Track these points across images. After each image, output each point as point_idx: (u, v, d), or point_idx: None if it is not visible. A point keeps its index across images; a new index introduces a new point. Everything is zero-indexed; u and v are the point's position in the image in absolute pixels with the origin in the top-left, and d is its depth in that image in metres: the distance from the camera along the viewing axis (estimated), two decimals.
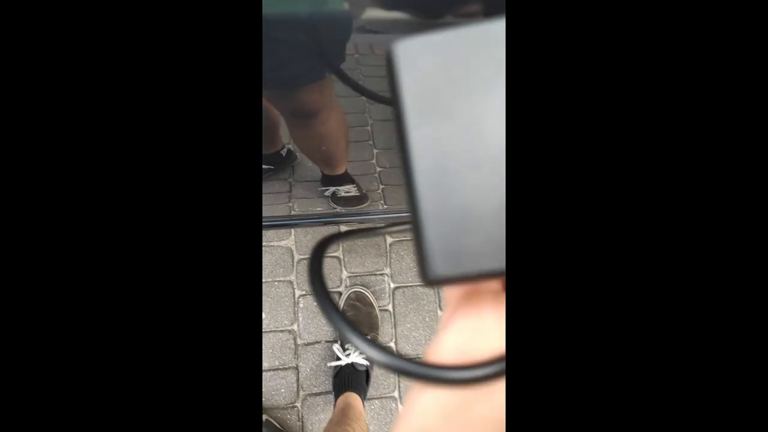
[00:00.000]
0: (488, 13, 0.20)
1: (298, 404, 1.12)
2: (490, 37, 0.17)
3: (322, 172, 0.56)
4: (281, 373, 1.13)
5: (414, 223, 0.17)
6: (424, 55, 0.17)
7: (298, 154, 0.53)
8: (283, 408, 1.11)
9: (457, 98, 0.17)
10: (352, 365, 1.12)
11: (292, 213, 0.66)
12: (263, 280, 1.15)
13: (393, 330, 1.20)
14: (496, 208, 0.17)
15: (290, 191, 0.60)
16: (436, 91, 0.17)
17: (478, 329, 0.19)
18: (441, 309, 1.22)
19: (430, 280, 0.17)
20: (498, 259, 0.16)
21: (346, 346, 1.14)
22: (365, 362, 1.13)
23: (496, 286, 0.20)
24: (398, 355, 0.17)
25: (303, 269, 1.18)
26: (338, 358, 1.12)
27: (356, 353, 1.12)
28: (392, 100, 0.17)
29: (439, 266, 0.17)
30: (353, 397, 1.05)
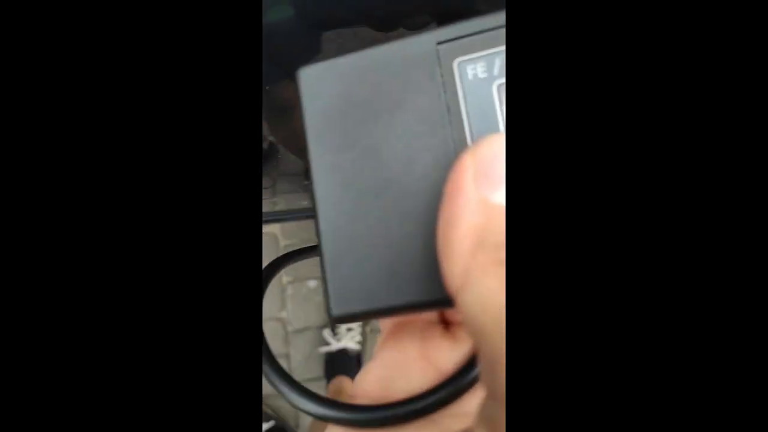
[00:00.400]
0: (441, 23, 0.18)
1: None
2: (394, 58, 0.16)
3: (305, 165, 0.55)
4: None
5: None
6: (327, 80, 0.17)
7: (280, 147, 0.52)
8: (276, 395, 1.12)
9: (358, 125, 0.16)
10: (343, 350, 1.12)
11: (277, 209, 0.65)
12: None
13: None
14: (401, 238, 0.16)
15: (274, 185, 0.60)
16: (337, 118, 0.16)
17: (400, 365, 0.18)
18: None
19: (332, 317, 0.16)
20: (408, 293, 0.15)
21: (336, 331, 1.14)
22: (357, 346, 1.13)
23: (428, 316, 0.19)
24: (319, 399, 0.18)
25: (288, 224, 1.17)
26: (329, 344, 1.13)
27: (347, 337, 1.13)
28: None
29: (339, 304, 0.16)
30: (345, 381, 1.06)
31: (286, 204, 0.67)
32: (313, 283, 1.15)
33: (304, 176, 0.58)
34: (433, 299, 0.15)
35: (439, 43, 0.16)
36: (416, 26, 0.20)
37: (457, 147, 0.16)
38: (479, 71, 0.16)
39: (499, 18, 0.16)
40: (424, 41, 0.16)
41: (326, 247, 0.16)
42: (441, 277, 0.14)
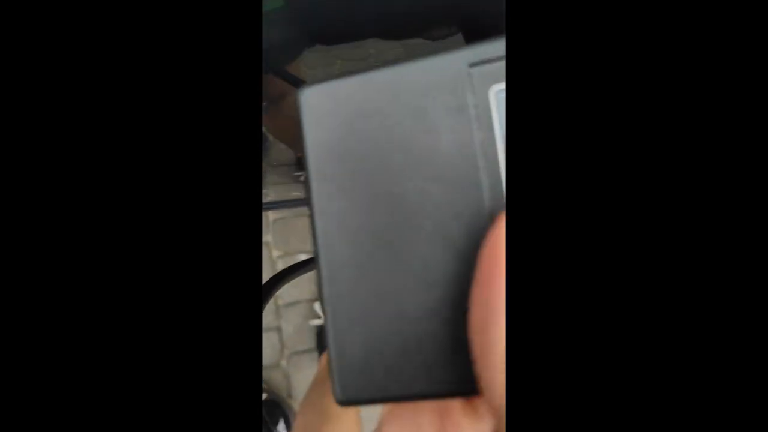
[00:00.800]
0: (471, 38, 0.16)
1: (284, 362, 1.14)
2: (415, 81, 0.13)
3: (296, 156, 0.53)
4: (264, 334, 1.14)
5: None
6: (333, 105, 0.14)
7: (269, 136, 0.50)
8: (268, 367, 1.13)
9: (370, 164, 0.13)
10: None
11: (268, 200, 0.64)
12: None
13: None
14: (417, 311, 0.13)
15: (263, 176, 0.58)
16: (345, 153, 0.14)
17: None
18: None
19: (339, 400, 0.14)
20: (424, 382, 0.13)
21: None
22: None
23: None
24: None
25: (279, 229, 1.15)
26: (320, 316, 1.13)
27: None
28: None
29: (346, 391, 0.13)
30: None
31: (276, 195, 0.66)
32: (302, 257, 1.14)
33: (295, 167, 0.56)
34: (455, 391, 0.13)
35: (472, 65, 0.13)
36: (438, 37, 0.17)
37: (494, 203, 0.13)
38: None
39: None
40: (453, 62, 0.13)
41: (331, 318, 0.14)
42: (467, 366, 0.12)
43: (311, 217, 0.14)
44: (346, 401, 0.14)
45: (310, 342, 1.15)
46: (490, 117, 0.13)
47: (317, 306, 1.14)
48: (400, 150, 0.13)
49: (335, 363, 0.14)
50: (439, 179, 0.13)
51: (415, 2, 0.15)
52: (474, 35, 0.17)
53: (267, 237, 1.14)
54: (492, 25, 0.17)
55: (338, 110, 0.14)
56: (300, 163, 0.57)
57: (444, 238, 0.13)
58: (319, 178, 0.14)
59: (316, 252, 0.14)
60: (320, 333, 1.14)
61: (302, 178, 0.59)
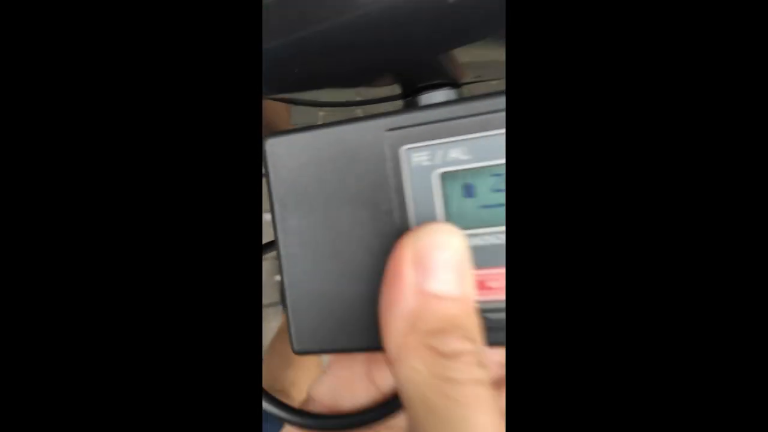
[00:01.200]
0: (404, 85, 0.20)
1: None
2: (349, 139, 0.18)
3: None
4: None
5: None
6: (290, 152, 0.19)
7: None
8: None
9: (318, 196, 0.19)
10: None
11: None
12: None
13: None
14: (350, 295, 0.19)
15: None
16: (300, 188, 0.19)
17: (349, 382, 0.22)
18: None
19: (295, 351, 0.20)
20: (354, 340, 0.19)
21: None
22: None
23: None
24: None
25: None
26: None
27: None
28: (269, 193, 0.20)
29: (300, 343, 0.20)
30: None
31: None
32: (268, 217, 1.18)
33: None
34: (373, 346, 0.19)
35: (389, 129, 0.18)
36: (381, 84, 0.21)
37: (401, 227, 0.18)
38: (423, 159, 0.18)
39: (449, 111, 0.18)
40: (375, 127, 0.18)
41: (290, 297, 0.20)
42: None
43: (275, 232, 0.19)
44: (301, 351, 0.20)
45: (274, 296, 1.20)
46: (400, 169, 0.18)
47: None
48: (339, 188, 0.19)
49: (292, 323, 0.20)
50: (365, 208, 0.18)
51: (356, 60, 0.20)
52: (406, 84, 0.21)
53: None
54: (420, 76, 0.21)
55: (294, 156, 0.19)
56: None
57: (368, 246, 0.19)
58: (280, 204, 0.19)
59: (279, 255, 0.20)
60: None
61: None
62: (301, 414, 0.21)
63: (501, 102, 0.17)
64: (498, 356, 0.22)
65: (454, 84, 0.21)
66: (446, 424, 0.14)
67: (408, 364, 0.15)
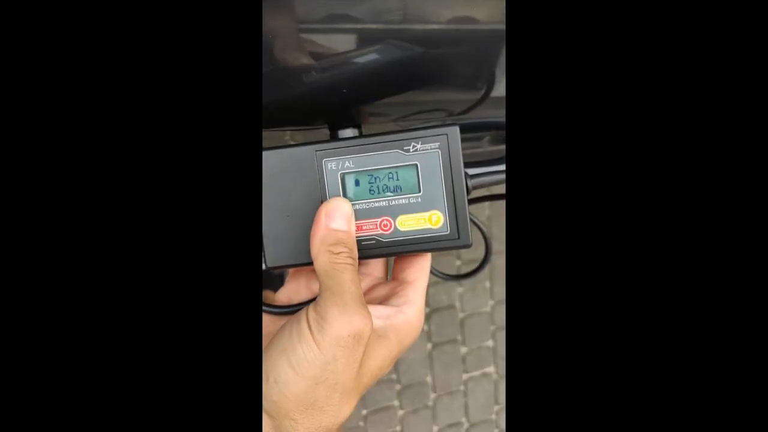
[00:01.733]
0: (332, 126, 0.38)
1: None
2: (300, 154, 0.35)
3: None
4: None
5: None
6: (274, 161, 0.35)
7: None
8: None
9: (287, 185, 0.35)
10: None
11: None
12: None
13: None
14: (300, 234, 0.34)
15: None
16: (278, 181, 0.35)
17: (297, 290, 0.40)
18: None
19: (267, 268, 0.35)
20: (301, 258, 0.34)
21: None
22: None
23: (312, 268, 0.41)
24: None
25: None
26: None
27: None
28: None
29: (271, 261, 0.35)
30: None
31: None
32: None
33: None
34: (308, 261, 0.36)
35: (317, 150, 0.35)
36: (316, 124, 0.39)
37: (322, 199, 0.35)
38: (333, 166, 0.35)
39: (351, 142, 0.35)
40: (312, 149, 0.35)
41: (266, 239, 0.35)
42: None
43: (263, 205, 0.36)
44: (272, 267, 0.36)
45: None
46: (323, 170, 0.35)
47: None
48: (294, 180, 0.35)
49: (266, 250, 0.35)
50: (307, 190, 0.36)
51: (304, 112, 0.38)
52: (331, 125, 0.39)
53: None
54: (340, 126, 0.39)
55: (276, 164, 0.35)
56: None
57: (307, 209, 0.35)
58: (267, 190, 0.35)
59: (263, 216, 0.35)
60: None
61: None
62: (270, 306, 0.39)
63: (373, 139, 0.35)
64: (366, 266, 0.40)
65: (358, 125, 0.39)
66: (333, 279, 0.32)
67: (319, 258, 0.33)
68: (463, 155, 0.34)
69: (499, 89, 0.37)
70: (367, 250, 0.35)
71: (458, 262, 1.34)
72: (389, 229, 0.35)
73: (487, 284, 1.42)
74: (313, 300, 0.34)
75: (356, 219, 0.35)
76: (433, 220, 0.35)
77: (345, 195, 0.36)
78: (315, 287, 0.40)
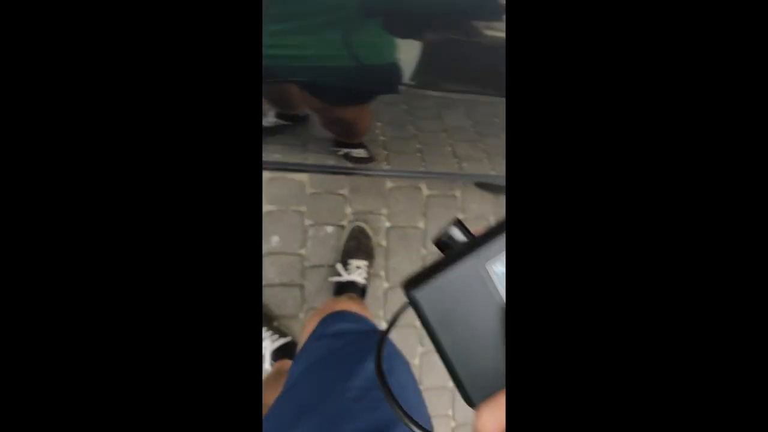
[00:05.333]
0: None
1: (302, 315, 1.35)
2: (463, 277, 0.25)
3: (334, 136, 0.65)
4: (288, 289, 1.34)
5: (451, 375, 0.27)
6: (432, 296, 0.26)
7: (310, 115, 0.60)
8: (288, 317, 1.34)
9: (464, 317, 0.26)
10: (352, 282, 1.29)
11: (308, 162, 0.77)
12: (278, 209, 1.33)
13: (385, 262, 1.40)
14: (495, 348, 0.25)
15: (305, 144, 0.69)
16: (449, 312, 0.26)
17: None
18: (425, 248, 1.41)
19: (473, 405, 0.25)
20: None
21: (347, 265, 1.32)
22: (363, 281, 1.32)
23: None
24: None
25: (313, 201, 1.35)
26: (340, 275, 1.30)
27: (356, 273, 1.30)
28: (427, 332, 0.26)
29: (476, 399, 0.25)
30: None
31: (315, 161, 0.77)
32: (330, 229, 1.36)
33: (332, 143, 0.69)
34: None
35: (487, 261, 0.25)
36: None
37: (501, 304, 0.25)
38: (499, 269, 0.25)
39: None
40: (477, 262, 0.25)
41: (462, 378, 0.26)
42: None
43: (437, 348, 0.26)
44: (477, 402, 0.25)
45: (329, 297, 1.34)
46: (493, 281, 0.25)
47: (339, 266, 1.30)
48: (468, 306, 0.25)
49: (469, 391, 0.25)
50: (486, 309, 0.25)
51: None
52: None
53: (302, 207, 1.34)
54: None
55: (437, 298, 0.26)
56: (338, 143, 0.70)
57: (488, 327, 0.25)
58: (441, 331, 0.26)
59: (441, 351, 0.26)
60: (338, 288, 1.31)
61: (340, 153, 0.70)
62: None
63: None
64: None
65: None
66: None
67: None
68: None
69: None
70: None
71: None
72: None
73: None
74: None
75: None
76: None
77: None
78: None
